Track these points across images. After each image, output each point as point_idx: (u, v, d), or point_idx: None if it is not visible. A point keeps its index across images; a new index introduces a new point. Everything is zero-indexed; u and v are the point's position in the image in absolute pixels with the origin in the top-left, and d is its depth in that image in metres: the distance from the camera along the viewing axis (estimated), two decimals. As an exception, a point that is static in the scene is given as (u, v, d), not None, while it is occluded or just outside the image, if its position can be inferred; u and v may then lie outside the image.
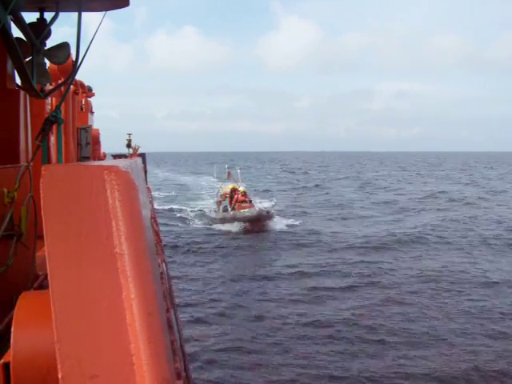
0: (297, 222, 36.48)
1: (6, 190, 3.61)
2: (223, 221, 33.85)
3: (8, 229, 3.55)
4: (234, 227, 32.25)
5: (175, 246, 27.99)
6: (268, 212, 32.26)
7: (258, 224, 31.57)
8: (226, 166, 43.55)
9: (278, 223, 34.20)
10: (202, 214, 40.73)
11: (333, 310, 16.60)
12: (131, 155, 16.41)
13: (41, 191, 1.62)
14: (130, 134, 16.34)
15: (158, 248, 3.43)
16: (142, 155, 18.59)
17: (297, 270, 23.05)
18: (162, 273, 2.68)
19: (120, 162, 2.21)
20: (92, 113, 15.03)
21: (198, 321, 15.80)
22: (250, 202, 34.94)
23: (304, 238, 30.60)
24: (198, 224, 37.03)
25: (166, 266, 4.72)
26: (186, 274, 22.51)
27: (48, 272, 1.58)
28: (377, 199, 52.58)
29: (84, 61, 5.70)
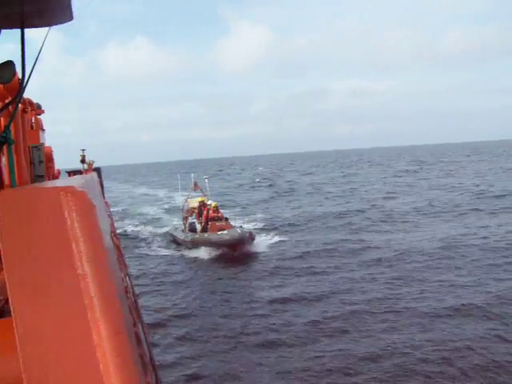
0: (281, 238, 31.39)
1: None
2: (194, 244, 28.05)
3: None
4: (208, 253, 26.92)
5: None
6: (250, 233, 27.11)
7: (238, 247, 26.50)
8: (192, 175, 35.97)
9: (261, 243, 28.97)
10: (165, 234, 34.99)
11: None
12: (86, 171, 16.26)
13: (-2, 217, 1.65)
14: (83, 150, 16.21)
15: (121, 262, 3.44)
16: (98, 170, 18.44)
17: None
18: (126, 287, 2.71)
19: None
20: (43, 130, 14.84)
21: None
22: (226, 220, 29.42)
23: (299, 259, 25.81)
24: (161, 248, 31.10)
25: (130, 280, 4.73)
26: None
27: (10, 299, 1.60)
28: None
29: (31, 78, 5.65)
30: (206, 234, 27.93)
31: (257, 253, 27.16)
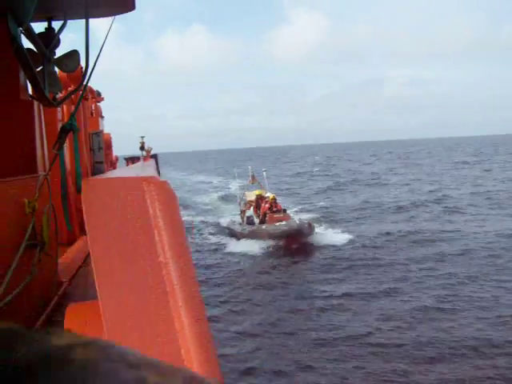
0: (341, 230, 29.45)
1: (26, 200, 3.72)
2: (252, 236, 26.96)
3: (31, 238, 3.67)
4: (265, 245, 25.78)
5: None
6: (309, 224, 25.71)
7: (296, 240, 25.17)
8: (250, 167, 34.25)
9: (321, 236, 27.12)
10: (221, 228, 32.97)
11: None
12: (145, 157, 16.57)
13: (82, 204, 1.71)
14: (142, 137, 16.50)
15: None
16: (155, 156, 18.73)
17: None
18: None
19: (149, 169, 2.28)
20: (102, 117, 15.21)
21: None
22: (285, 211, 28.24)
23: (359, 253, 24.07)
24: (218, 239, 29.88)
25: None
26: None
27: (96, 284, 1.66)
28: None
29: (95, 67, 5.80)
30: (263, 226, 26.73)
31: (316, 245, 25.76)
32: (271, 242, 25.58)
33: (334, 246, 25.64)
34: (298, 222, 25.64)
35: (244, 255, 25.20)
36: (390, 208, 37.97)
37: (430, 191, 45.26)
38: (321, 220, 33.34)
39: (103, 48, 6.05)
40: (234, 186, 58.87)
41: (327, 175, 75.75)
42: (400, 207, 37.85)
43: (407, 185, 54.04)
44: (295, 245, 24.99)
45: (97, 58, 5.66)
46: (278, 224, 25.66)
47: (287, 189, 55.84)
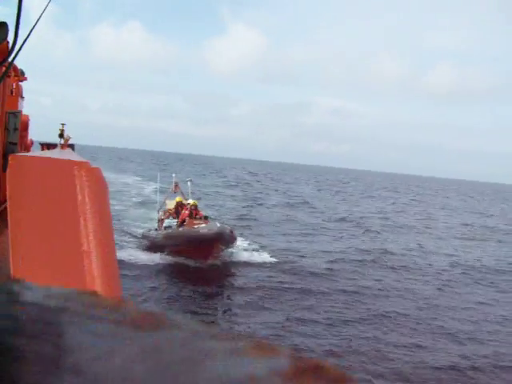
0: (261, 243, 27.78)
1: None
2: (166, 239, 24.42)
3: None
4: (172, 256, 23.23)
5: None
6: (231, 231, 23.18)
7: (213, 247, 22.37)
8: (173, 174, 32.53)
9: (242, 251, 25.26)
10: (137, 236, 29.22)
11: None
12: (62, 145, 16.06)
13: (7, 180, 1.62)
14: (63, 124, 15.93)
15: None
16: (72, 146, 18.17)
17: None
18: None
19: (72, 155, 2.22)
20: (22, 98, 14.61)
21: None
22: (206, 218, 25.69)
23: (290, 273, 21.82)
24: (131, 248, 25.31)
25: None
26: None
27: (11, 268, 1.58)
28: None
29: (24, 44, 5.60)
30: (180, 229, 24.07)
31: (238, 262, 23.27)
32: (178, 255, 22.56)
33: (256, 264, 23.17)
34: (218, 224, 23.05)
35: (150, 268, 21.64)
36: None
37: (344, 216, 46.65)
38: (243, 234, 31.17)
39: (36, 26, 5.86)
40: (149, 189, 57.11)
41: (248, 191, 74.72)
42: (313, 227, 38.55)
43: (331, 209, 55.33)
44: (213, 254, 22.17)
45: (27, 36, 5.48)
46: (196, 227, 23.06)
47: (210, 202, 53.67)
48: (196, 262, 21.90)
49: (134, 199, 47.20)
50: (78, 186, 1.61)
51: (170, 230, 25.17)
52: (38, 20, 6.15)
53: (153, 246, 24.89)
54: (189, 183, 32.28)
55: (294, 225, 38.06)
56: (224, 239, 22.58)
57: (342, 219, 44.06)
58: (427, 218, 51.60)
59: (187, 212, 25.65)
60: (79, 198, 1.61)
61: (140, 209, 41.27)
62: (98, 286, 1.62)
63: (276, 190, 74.24)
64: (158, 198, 32.86)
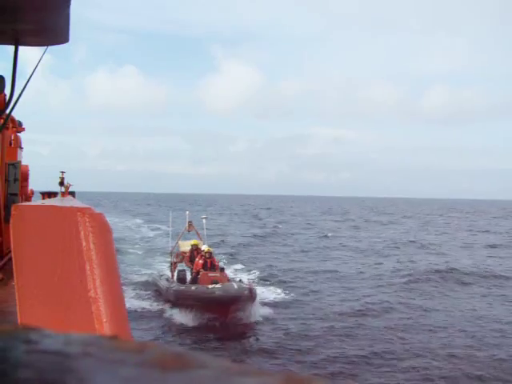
0: (288, 297, 25.10)
1: None
2: (177, 298, 22.22)
3: None
4: (189, 316, 20.78)
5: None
6: (251, 290, 20.52)
7: (229, 311, 20.16)
8: (187, 212, 29.61)
9: (260, 308, 22.03)
10: (147, 283, 27.84)
11: None
12: (63, 193, 16.15)
13: (11, 231, 1.63)
14: (62, 172, 16.12)
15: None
16: (73, 194, 18.28)
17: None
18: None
19: (74, 202, 2.23)
20: (21, 148, 14.78)
21: None
22: (222, 270, 23.83)
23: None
24: (139, 301, 24.02)
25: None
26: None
27: (18, 314, 1.58)
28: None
29: (20, 97, 5.69)
30: (193, 287, 21.80)
31: (256, 322, 20.59)
32: (197, 313, 20.50)
33: (277, 322, 20.62)
34: (236, 286, 20.54)
35: (156, 327, 20.15)
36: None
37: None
38: (261, 278, 30.01)
39: (31, 78, 5.95)
40: (155, 233, 56.23)
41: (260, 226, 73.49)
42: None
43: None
44: (229, 317, 20.08)
45: (24, 88, 5.56)
46: (211, 287, 20.70)
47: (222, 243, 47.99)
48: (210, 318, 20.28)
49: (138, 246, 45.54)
50: (82, 233, 1.62)
51: (181, 287, 22.53)
52: (34, 72, 6.23)
53: (163, 297, 23.69)
54: (204, 221, 29.72)
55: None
56: (241, 302, 20.18)
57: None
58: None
59: (201, 261, 23.25)
60: (84, 244, 1.61)
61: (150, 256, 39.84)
62: (107, 331, 1.61)
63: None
64: (170, 240, 29.92)
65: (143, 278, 29.15)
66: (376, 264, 36.40)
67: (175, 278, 25.21)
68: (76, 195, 18.02)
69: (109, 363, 0.49)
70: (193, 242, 26.11)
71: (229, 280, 22.52)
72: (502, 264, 36.72)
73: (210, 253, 23.72)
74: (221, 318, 20.02)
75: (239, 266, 34.66)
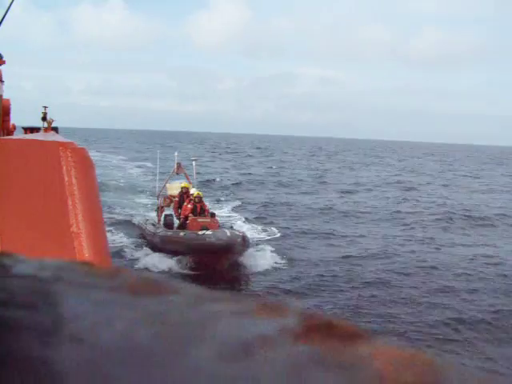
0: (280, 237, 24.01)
1: None
2: (164, 243, 20.84)
3: None
4: (177, 262, 19.63)
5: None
6: (244, 238, 19.19)
7: (223, 257, 18.78)
8: (176, 153, 26.86)
9: (258, 254, 20.63)
10: (130, 225, 26.34)
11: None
12: (46, 129, 15.93)
13: (-8, 165, 1.62)
14: (45, 107, 15.78)
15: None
16: (55, 129, 18.05)
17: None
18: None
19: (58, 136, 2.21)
20: (2, 82, 14.47)
21: None
22: (213, 215, 22.27)
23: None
24: (121, 243, 22.67)
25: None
26: None
27: None
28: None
29: (1, 27, 5.54)
30: (181, 233, 20.34)
31: (251, 272, 19.27)
32: (186, 258, 19.34)
33: (273, 269, 19.37)
34: (228, 233, 19.12)
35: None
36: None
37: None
38: (252, 219, 28.67)
39: (11, 8, 5.80)
40: (137, 172, 55.16)
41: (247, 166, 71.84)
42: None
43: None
44: (221, 265, 18.74)
45: (2, 18, 5.42)
46: (201, 233, 19.26)
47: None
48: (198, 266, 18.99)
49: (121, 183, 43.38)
50: (64, 167, 1.60)
51: (169, 233, 21.28)
52: (12, 1, 6.03)
53: (148, 243, 22.31)
54: (193, 163, 27.48)
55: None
56: (235, 250, 18.80)
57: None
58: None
59: (190, 206, 21.82)
60: (66, 178, 1.60)
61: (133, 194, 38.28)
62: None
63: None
64: (157, 182, 27.75)
65: (125, 219, 27.81)
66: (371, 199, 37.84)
67: (162, 222, 23.61)
68: (59, 131, 17.83)
69: (80, 287, 0.50)
70: (183, 184, 24.21)
71: (219, 226, 21.08)
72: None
73: (200, 197, 22.15)
74: (212, 265, 18.50)
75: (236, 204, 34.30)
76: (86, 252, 1.58)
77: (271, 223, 28.12)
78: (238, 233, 19.78)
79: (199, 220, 21.05)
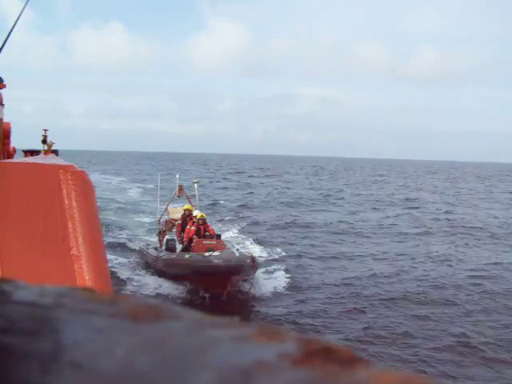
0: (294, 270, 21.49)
1: None
2: (168, 267, 19.48)
3: None
4: (182, 287, 18.57)
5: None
6: (253, 259, 17.67)
7: (229, 282, 17.29)
8: (177, 175, 26.25)
9: (266, 277, 19.83)
10: (132, 250, 25.17)
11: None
12: (45, 151, 16.00)
13: (-8, 188, 1.62)
14: (45, 130, 15.85)
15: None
16: (55, 152, 18.13)
17: None
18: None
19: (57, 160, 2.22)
20: (2, 105, 14.56)
21: None
22: (218, 237, 20.84)
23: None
24: (121, 266, 21.78)
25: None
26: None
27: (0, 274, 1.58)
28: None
29: (2, 52, 5.58)
30: (186, 255, 18.84)
31: (258, 296, 17.91)
32: (192, 283, 18.23)
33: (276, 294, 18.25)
34: (237, 253, 17.67)
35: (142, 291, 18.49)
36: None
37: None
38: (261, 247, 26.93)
39: (12, 32, 5.84)
40: (136, 193, 54.65)
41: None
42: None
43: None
44: (228, 290, 17.36)
45: (4, 42, 5.46)
46: (207, 254, 17.72)
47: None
48: (205, 291, 17.75)
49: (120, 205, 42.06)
50: (64, 190, 1.61)
51: (172, 256, 20.04)
52: (15, 25, 6.08)
53: (151, 268, 21.08)
54: (196, 185, 25.76)
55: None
56: (243, 272, 17.51)
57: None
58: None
59: (194, 228, 20.47)
60: (66, 201, 1.60)
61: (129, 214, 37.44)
62: (89, 290, 1.62)
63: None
64: (158, 205, 26.66)
65: (126, 242, 26.97)
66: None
67: (164, 247, 22.25)
68: (59, 153, 17.89)
69: (81, 314, 0.49)
70: (186, 206, 23.01)
71: (227, 248, 19.52)
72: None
73: (204, 219, 20.86)
74: (218, 291, 17.26)
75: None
76: (86, 275, 1.58)
77: (277, 244, 27.49)
78: (246, 253, 18.46)
79: (205, 242, 19.64)
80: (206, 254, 17.72)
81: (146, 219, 34.21)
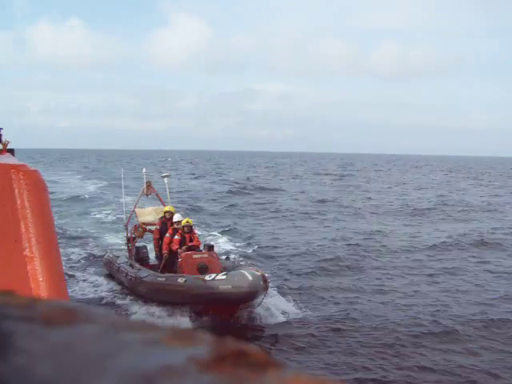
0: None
1: None
2: (153, 293, 14.92)
3: None
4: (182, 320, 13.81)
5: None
6: (265, 280, 13.91)
7: (238, 309, 13.99)
8: (144, 169, 20.67)
9: (273, 304, 14.80)
10: (99, 261, 20.06)
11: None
12: (1, 151, 15.64)
13: None
14: (0, 128, 15.58)
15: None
16: (11, 151, 17.75)
17: None
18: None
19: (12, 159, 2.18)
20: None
21: None
22: (210, 248, 16.61)
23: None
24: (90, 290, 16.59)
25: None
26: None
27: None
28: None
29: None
30: (180, 279, 14.44)
31: (264, 322, 14.05)
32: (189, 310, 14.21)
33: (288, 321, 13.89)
34: (250, 277, 13.62)
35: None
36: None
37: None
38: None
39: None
40: (92, 188, 52.42)
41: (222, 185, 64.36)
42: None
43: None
44: (236, 316, 14.05)
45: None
46: (209, 278, 13.91)
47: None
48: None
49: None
50: (16, 190, 1.58)
51: (158, 278, 15.15)
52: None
53: (125, 287, 16.77)
54: (165, 180, 20.54)
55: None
56: (256, 298, 14.05)
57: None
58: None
59: (178, 238, 16.14)
60: (18, 201, 1.58)
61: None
62: (43, 291, 1.61)
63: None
64: (124, 207, 20.84)
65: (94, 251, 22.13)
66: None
67: (133, 257, 17.97)
68: (15, 152, 17.50)
69: None
70: (166, 208, 17.96)
71: (224, 267, 15.71)
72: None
73: (190, 226, 16.51)
74: (225, 315, 13.97)
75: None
76: (39, 276, 1.56)
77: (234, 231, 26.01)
78: (257, 273, 14.20)
79: (195, 256, 15.58)
80: (208, 277, 14.12)
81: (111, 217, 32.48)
